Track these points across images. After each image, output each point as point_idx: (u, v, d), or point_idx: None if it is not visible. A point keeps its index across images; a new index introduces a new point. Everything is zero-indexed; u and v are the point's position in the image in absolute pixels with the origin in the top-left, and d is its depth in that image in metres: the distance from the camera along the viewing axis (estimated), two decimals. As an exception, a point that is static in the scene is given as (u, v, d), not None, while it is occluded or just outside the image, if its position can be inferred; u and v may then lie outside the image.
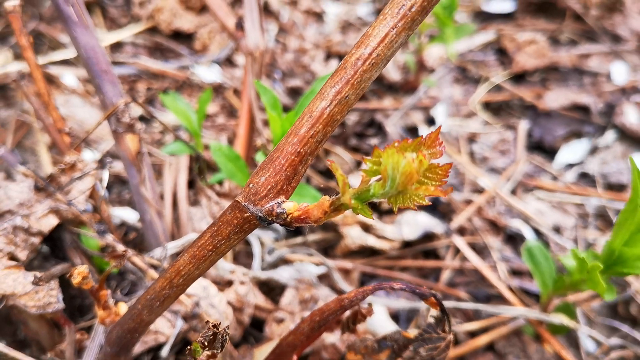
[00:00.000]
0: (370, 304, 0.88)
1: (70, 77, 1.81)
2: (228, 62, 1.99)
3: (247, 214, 0.63)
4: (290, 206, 0.62)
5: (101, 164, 1.02)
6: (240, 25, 1.29)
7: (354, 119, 1.78)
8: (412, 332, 0.88)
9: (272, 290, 1.26)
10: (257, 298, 1.19)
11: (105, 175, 1.00)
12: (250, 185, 0.62)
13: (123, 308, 0.88)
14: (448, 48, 1.71)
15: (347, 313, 0.93)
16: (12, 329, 1.01)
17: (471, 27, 1.70)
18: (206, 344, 0.66)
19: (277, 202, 0.62)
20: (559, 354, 1.21)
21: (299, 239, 1.38)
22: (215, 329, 0.67)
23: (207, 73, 1.89)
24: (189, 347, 0.67)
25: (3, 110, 1.70)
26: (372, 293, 0.77)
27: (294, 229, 0.64)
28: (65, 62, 1.89)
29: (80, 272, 0.77)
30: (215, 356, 0.66)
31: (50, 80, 1.75)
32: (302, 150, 0.61)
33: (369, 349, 0.88)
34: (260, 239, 1.33)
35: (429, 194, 0.51)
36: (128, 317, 0.80)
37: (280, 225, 0.63)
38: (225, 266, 1.16)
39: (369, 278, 1.38)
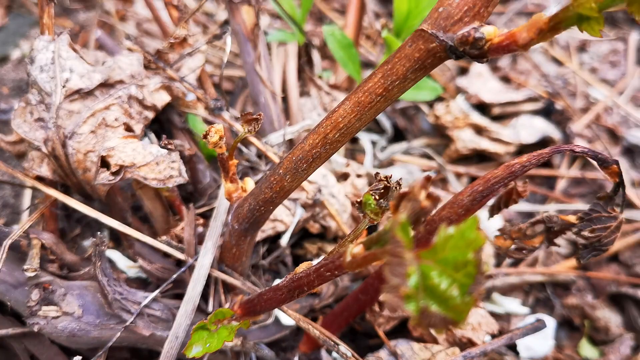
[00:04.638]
0: (526, 182, 0.79)
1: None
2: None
3: (433, 45, 0.54)
4: (491, 31, 0.52)
5: (216, 35, 0.93)
6: None
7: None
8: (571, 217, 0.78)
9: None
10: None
11: (229, 41, 0.91)
12: (441, 9, 0.53)
13: (250, 183, 0.81)
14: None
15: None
16: (119, 215, 0.95)
17: None
18: (377, 197, 0.58)
19: (474, 27, 0.52)
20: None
21: (404, 144, 1.29)
22: (386, 182, 0.59)
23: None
24: (357, 201, 0.59)
25: (82, 12, 1.63)
26: (548, 157, 0.68)
27: (485, 62, 0.54)
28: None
29: (217, 131, 0.70)
30: (385, 210, 0.57)
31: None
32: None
33: (522, 233, 0.79)
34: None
35: None
36: (265, 186, 0.72)
37: (472, 57, 0.54)
38: (339, 160, 1.08)
39: (477, 186, 1.28)
